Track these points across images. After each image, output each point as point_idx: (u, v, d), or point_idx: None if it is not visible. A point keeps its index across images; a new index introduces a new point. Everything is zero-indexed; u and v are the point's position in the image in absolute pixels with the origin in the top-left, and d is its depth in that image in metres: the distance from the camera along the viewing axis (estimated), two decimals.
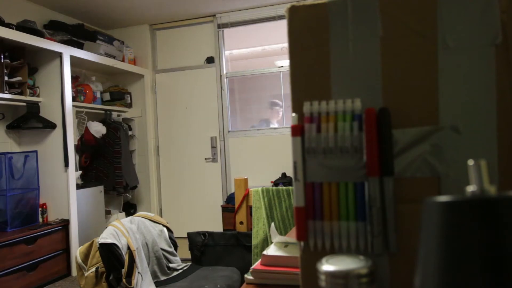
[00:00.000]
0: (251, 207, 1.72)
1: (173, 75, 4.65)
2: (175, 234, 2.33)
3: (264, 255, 0.94)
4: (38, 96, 3.52)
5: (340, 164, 0.55)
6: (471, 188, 0.35)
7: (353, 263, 0.46)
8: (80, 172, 3.87)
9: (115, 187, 4.13)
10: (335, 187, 0.55)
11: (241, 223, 1.79)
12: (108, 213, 4.24)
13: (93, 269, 1.77)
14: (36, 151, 3.46)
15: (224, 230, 4.09)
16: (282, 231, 1.58)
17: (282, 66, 4.51)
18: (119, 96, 4.43)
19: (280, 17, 4.25)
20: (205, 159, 4.53)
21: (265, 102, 4.71)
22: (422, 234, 0.35)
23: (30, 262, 3.07)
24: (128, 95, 4.56)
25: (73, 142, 3.59)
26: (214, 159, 4.50)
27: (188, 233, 2.19)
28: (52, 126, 3.47)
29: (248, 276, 0.92)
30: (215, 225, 4.37)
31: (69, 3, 3.87)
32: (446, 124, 0.52)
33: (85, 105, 3.96)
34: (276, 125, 4.47)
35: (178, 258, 2.22)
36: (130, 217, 2.16)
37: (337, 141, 0.55)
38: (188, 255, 2.24)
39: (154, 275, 2.04)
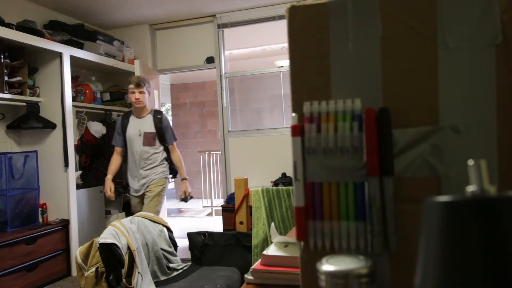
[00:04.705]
0: (251, 207, 1.72)
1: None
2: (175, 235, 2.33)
3: (264, 255, 0.94)
4: (38, 96, 3.52)
5: (340, 164, 0.55)
6: (471, 188, 0.35)
7: (353, 263, 0.46)
8: (80, 172, 3.87)
9: (115, 187, 4.12)
10: (335, 187, 0.55)
11: (241, 223, 1.79)
12: (108, 213, 4.24)
13: (93, 269, 1.77)
14: (36, 151, 3.46)
15: (224, 230, 4.09)
16: (282, 231, 1.58)
17: (282, 66, 4.51)
18: (119, 96, 4.43)
19: (280, 17, 4.25)
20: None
21: (265, 102, 4.72)
22: (422, 234, 0.35)
23: (30, 262, 3.07)
24: None
25: (73, 142, 3.59)
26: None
27: (188, 233, 2.19)
28: (52, 126, 3.47)
29: (248, 276, 0.92)
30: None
31: (69, 3, 3.87)
32: (446, 124, 0.52)
33: (85, 105, 3.96)
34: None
35: (178, 258, 2.22)
36: (130, 217, 2.16)
37: (337, 141, 0.55)
38: (188, 255, 2.24)
39: (154, 275, 2.04)
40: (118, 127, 3.33)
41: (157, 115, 3.30)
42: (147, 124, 3.25)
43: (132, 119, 3.29)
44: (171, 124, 3.44)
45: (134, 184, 3.30)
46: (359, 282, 0.44)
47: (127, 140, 3.27)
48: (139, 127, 3.24)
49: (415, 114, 0.54)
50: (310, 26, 0.58)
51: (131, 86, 3.18)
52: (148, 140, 3.23)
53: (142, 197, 3.29)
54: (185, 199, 3.37)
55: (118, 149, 3.34)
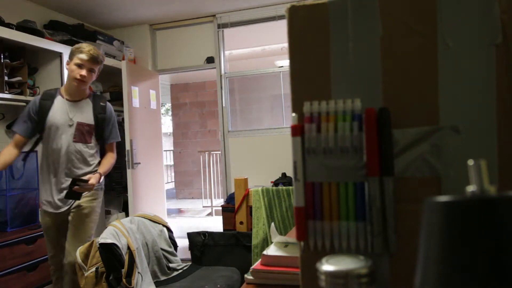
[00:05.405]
0: (251, 207, 1.72)
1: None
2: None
3: (264, 255, 0.94)
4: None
5: (340, 164, 0.55)
6: (471, 188, 0.35)
7: (353, 263, 0.46)
8: None
9: (114, 187, 4.13)
10: (335, 187, 0.55)
11: (241, 223, 1.79)
12: (108, 213, 4.24)
13: (93, 269, 1.77)
14: (36, 151, 3.46)
15: (224, 230, 4.09)
16: (282, 231, 1.58)
17: (282, 66, 4.51)
18: (119, 96, 4.43)
19: (280, 17, 4.25)
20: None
21: (265, 102, 4.72)
22: (422, 234, 0.35)
23: (30, 262, 3.07)
24: None
25: None
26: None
27: (188, 233, 2.19)
28: None
29: (248, 276, 0.92)
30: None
31: (69, 3, 3.87)
32: (446, 124, 0.52)
33: None
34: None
35: (178, 258, 2.22)
36: (130, 217, 2.16)
37: (337, 141, 0.55)
38: (188, 255, 2.24)
39: (154, 275, 2.04)
40: (32, 109, 2.28)
41: (99, 102, 2.38)
42: (84, 112, 2.32)
43: (60, 102, 2.30)
44: (117, 119, 2.53)
45: (50, 196, 2.30)
46: (359, 282, 0.44)
47: (47, 130, 2.26)
48: (70, 113, 2.28)
49: (415, 114, 0.54)
50: (310, 26, 0.58)
51: (83, 57, 2.24)
52: (81, 134, 2.28)
53: (63, 215, 2.29)
54: (75, 194, 2.18)
55: (18, 139, 2.27)
